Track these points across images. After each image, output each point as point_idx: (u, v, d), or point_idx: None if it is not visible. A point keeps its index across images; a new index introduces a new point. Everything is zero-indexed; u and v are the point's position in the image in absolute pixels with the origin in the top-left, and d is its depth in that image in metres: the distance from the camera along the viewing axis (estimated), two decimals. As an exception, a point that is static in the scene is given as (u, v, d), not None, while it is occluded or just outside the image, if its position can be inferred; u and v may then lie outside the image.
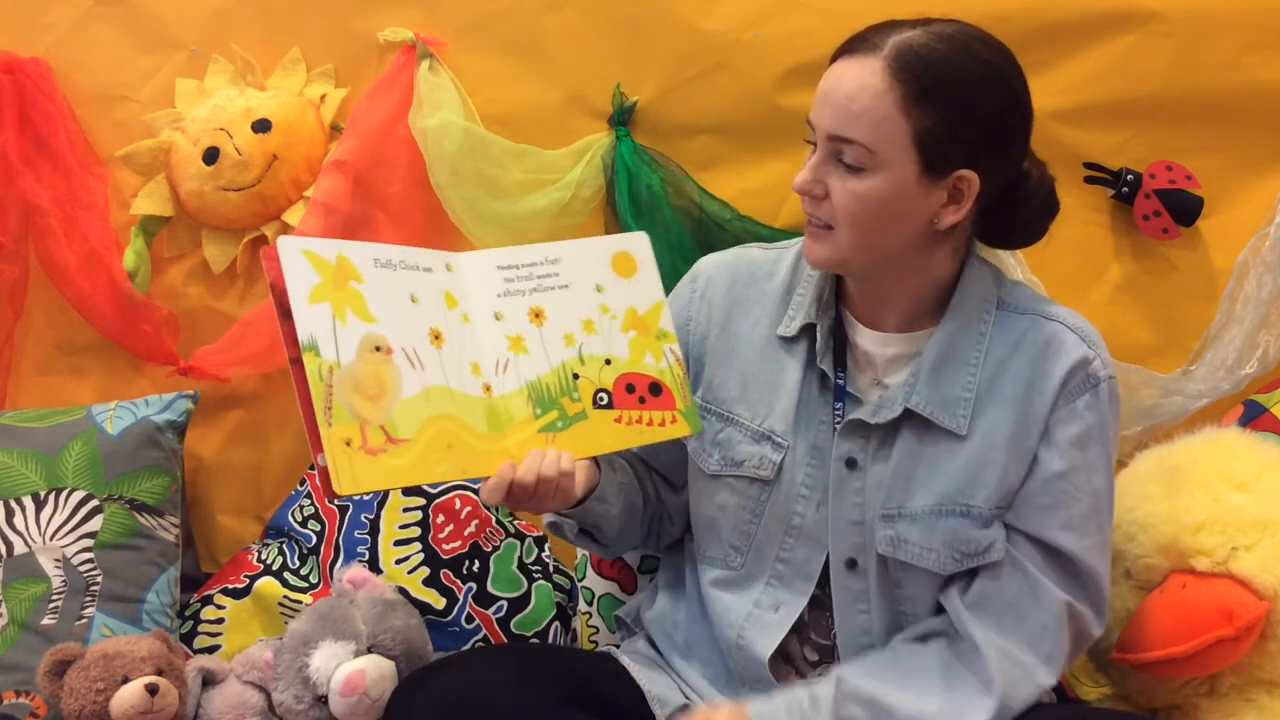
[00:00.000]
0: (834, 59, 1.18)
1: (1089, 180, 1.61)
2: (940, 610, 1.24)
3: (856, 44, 1.15)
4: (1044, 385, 1.20)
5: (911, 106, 1.11)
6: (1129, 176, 1.59)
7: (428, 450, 1.07)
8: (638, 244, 1.27)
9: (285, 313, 1.04)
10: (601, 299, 1.22)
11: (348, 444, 1.02)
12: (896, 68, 1.11)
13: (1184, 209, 1.59)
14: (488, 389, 1.14)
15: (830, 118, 1.15)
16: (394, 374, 1.07)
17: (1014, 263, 1.59)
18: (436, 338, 1.12)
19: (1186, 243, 1.62)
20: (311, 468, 1.77)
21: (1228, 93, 1.58)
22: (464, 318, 1.16)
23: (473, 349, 1.15)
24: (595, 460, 1.25)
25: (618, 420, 1.20)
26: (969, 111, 1.12)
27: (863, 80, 1.12)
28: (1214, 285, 1.62)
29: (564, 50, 1.69)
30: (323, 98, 1.77)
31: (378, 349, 1.07)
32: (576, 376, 1.19)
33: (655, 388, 1.23)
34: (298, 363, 1.03)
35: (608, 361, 1.21)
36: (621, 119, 1.67)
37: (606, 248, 1.26)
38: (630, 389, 1.21)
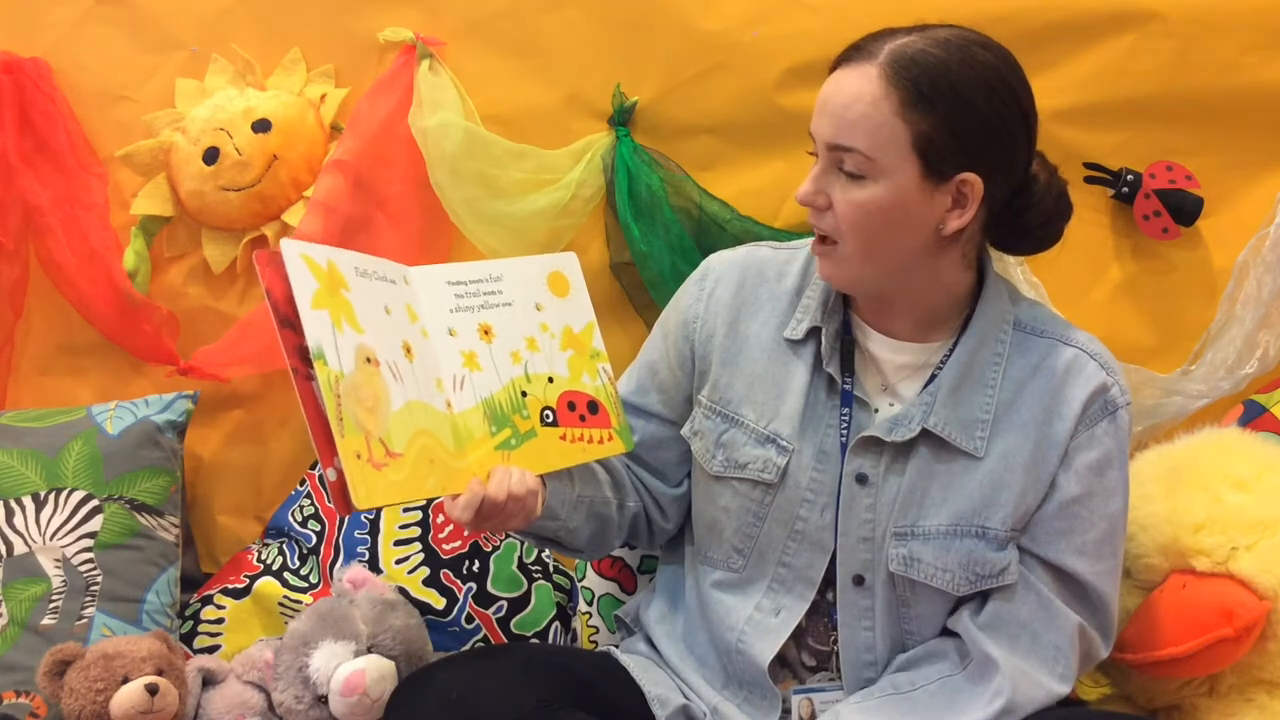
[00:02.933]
0: (832, 69, 1.17)
1: (1089, 180, 1.61)
2: (944, 632, 1.24)
3: (852, 53, 1.15)
4: (1064, 410, 1.20)
5: (909, 111, 1.11)
6: (1129, 176, 1.59)
7: (416, 465, 1.06)
8: (568, 264, 1.28)
9: (284, 321, 1.01)
10: (541, 317, 1.23)
11: (358, 456, 1.00)
12: (892, 73, 1.11)
13: (1184, 209, 1.59)
14: (449, 405, 1.13)
15: (829, 127, 1.14)
16: (384, 386, 1.05)
17: (1014, 263, 1.59)
18: (408, 351, 1.11)
19: (1186, 243, 1.62)
20: (313, 466, 1.76)
21: (1228, 93, 1.58)
22: (423, 332, 1.15)
23: (433, 365, 1.14)
24: (541, 478, 1.22)
25: (563, 438, 1.21)
26: (967, 114, 1.12)
27: (859, 88, 1.12)
28: (1214, 285, 1.62)
29: (564, 50, 1.69)
30: (323, 98, 1.77)
31: (369, 360, 1.05)
32: (524, 394, 1.19)
33: (593, 406, 1.24)
34: (301, 373, 1.00)
35: (550, 379, 1.22)
36: (621, 119, 1.67)
37: (541, 267, 1.26)
38: (572, 407, 1.22)
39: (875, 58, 1.12)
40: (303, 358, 1.01)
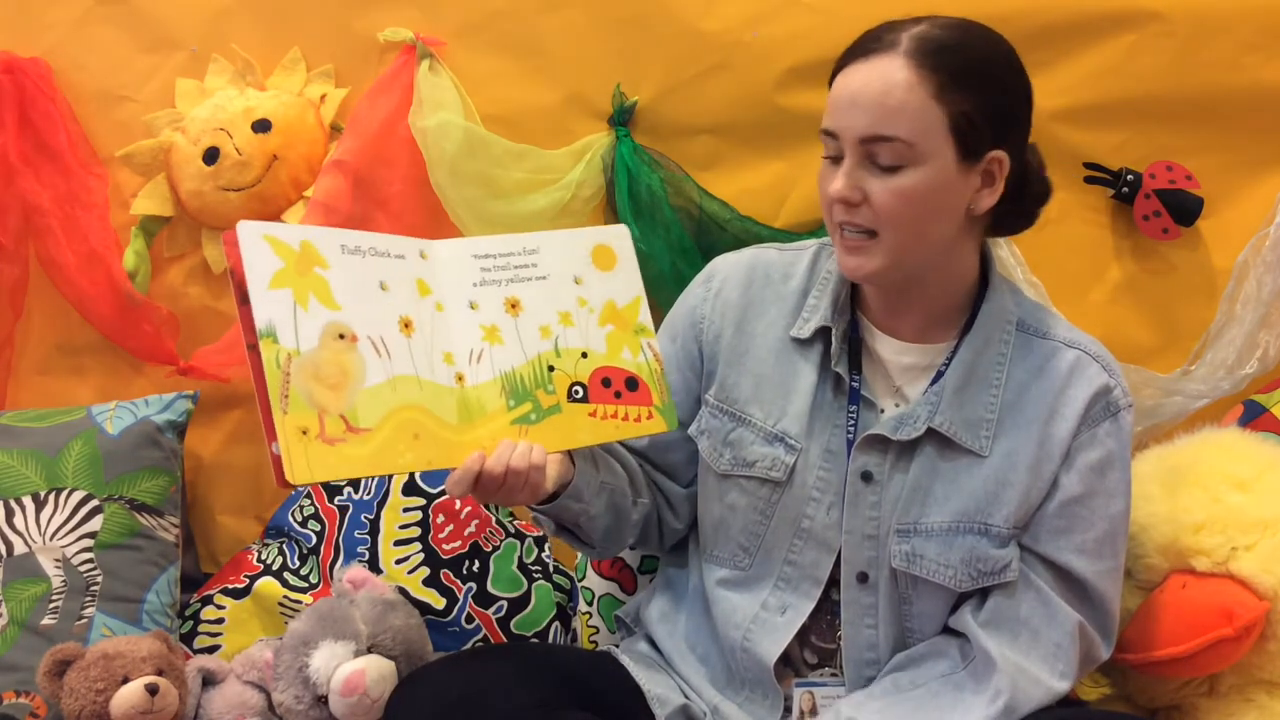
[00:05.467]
0: (842, 65, 1.17)
1: (1089, 180, 1.61)
2: (945, 630, 1.25)
3: (868, 45, 1.15)
4: (1066, 410, 1.21)
5: (944, 94, 1.11)
6: (1129, 176, 1.59)
7: (392, 440, 1.06)
8: (618, 237, 1.26)
9: (244, 298, 1.03)
10: (579, 291, 1.21)
11: (304, 433, 1.01)
12: (921, 59, 1.12)
13: (1184, 209, 1.59)
14: (460, 379, 1.13)
15: (861, 119, 1.13)
16: (358, 362, 1.06)
17: (1014, 263, 1.59)
18: (406, 326, 1.11)
19: (1186, 243, 1.63)
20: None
21: (1228, 93, 1.58)
22: (437, 306, 1.14)
23: (445, 338, 1.13)
24: (571, 458, 1.23)
25: (592, 414, 1.19)
26: (996, 92, 1.14)
27: (890, 77, 1.12)
28: (1214, 285, 1.63)
29: (564, 50, 1.69)
30: (323, 98, 1.77)
31: (341, 336, 1.06)
32: (552, 369, 1.18)
33: (632, 383, 1.22)
34: (254, 349, 1.02)
35: (584, 355, 1.20)
36: (621, 119, 1.67)
37: (587, 240, 1.24)
38: (606, 383, 1.20)
39: (897, 46, 1.13)
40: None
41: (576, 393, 1.18)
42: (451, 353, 1.13)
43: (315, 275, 1.06)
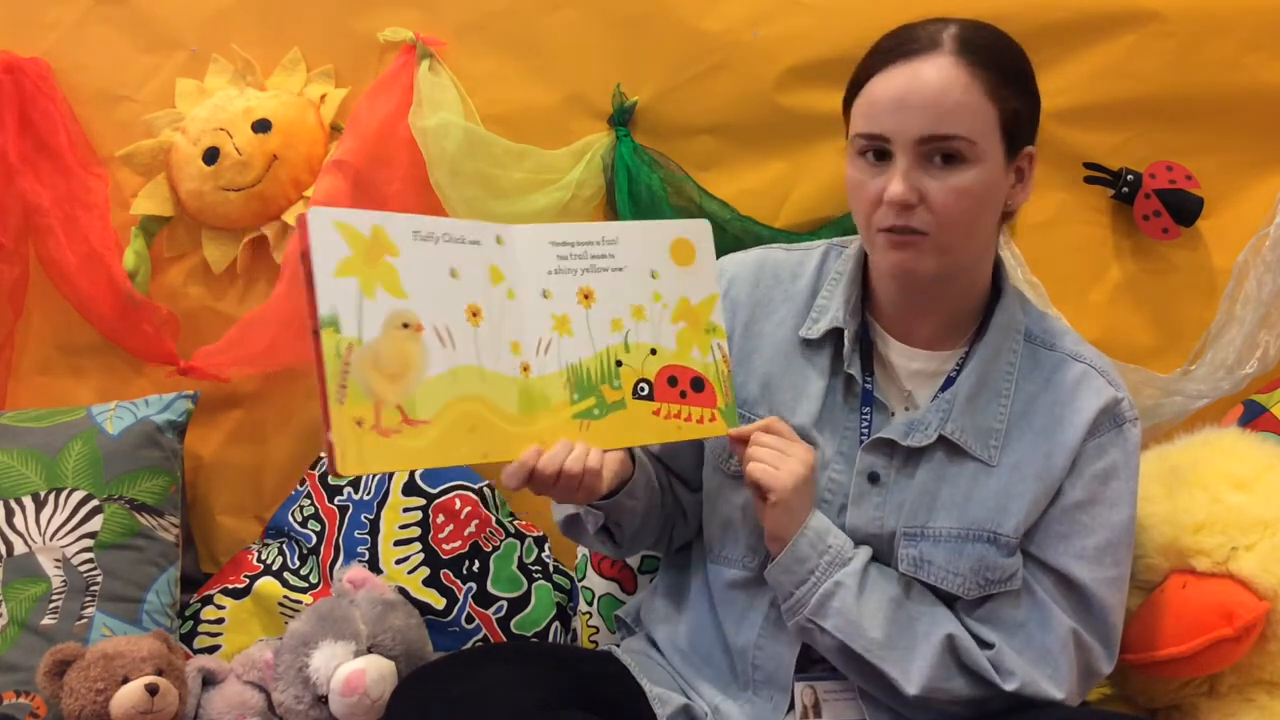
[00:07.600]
0: (878, 68, 1.15)
1: (1089, 180, 1.61)
2: None
3: (908, 47, 1.14)
4: (1074, 419, 1.21)
5: (996, 91, 1.12)
6: (1129, 176, 1.59)
7: (448, 433, 1.04)
8: (699, 232, 1.23)
9: (311, 282, 1.00)
10: (655, 286, 1.19)
11: (359, 423, 0.99)
12: (972, 58, 1.12)
13: (1184, 209, 1.59)
14: (525, 369, 1.11)
15: (919, 120, 1.11)
16: (421, 352, 1.04)
17: (1014, 263, 1.59)
18: (474, 314, 1.08)
19: (1186, 243, 1.63)
20: (313, 466, 1.77)
21: (1228, 93, 1.58)
22: (509, 294, 1.12)
23: (514, 327, 1.11)
24: (630, 453, 1.23)
25: (656, 413, 1.17)
26: (1032, 89, 1.17)
27: (945, 76, 1.11)
28: (1214, 285, 1.63)
29: (564, 50, 1.69)
30: (323, 98, 1.77)
31: (406, 325, 1.03)
32: (620, 364, 1.16)
33: (698, 383, 1.20)
34: (316, 335, 0.99)
35: (653, 351, 1.18)
36: (621, 119, 1.67)
37: (667, 232, 1.21)
38: (673, 382, 1.18)
39: (942, 47, 1.12)
40: None
41: (642, 390, 1.17)
42: (519, 342, 1.11)
43: (384, 264, 1.03)
